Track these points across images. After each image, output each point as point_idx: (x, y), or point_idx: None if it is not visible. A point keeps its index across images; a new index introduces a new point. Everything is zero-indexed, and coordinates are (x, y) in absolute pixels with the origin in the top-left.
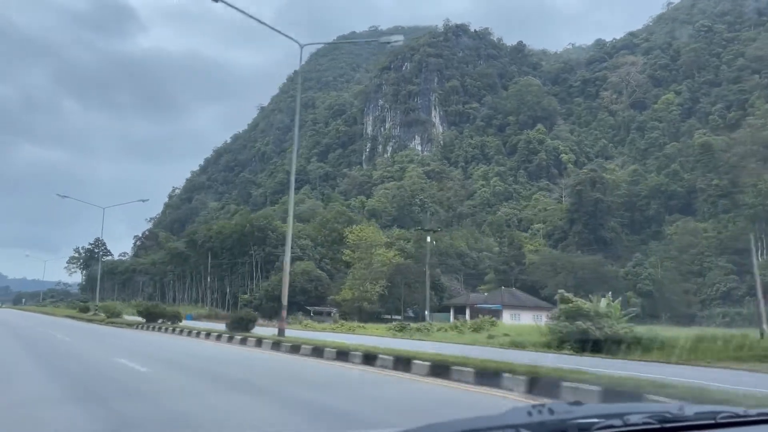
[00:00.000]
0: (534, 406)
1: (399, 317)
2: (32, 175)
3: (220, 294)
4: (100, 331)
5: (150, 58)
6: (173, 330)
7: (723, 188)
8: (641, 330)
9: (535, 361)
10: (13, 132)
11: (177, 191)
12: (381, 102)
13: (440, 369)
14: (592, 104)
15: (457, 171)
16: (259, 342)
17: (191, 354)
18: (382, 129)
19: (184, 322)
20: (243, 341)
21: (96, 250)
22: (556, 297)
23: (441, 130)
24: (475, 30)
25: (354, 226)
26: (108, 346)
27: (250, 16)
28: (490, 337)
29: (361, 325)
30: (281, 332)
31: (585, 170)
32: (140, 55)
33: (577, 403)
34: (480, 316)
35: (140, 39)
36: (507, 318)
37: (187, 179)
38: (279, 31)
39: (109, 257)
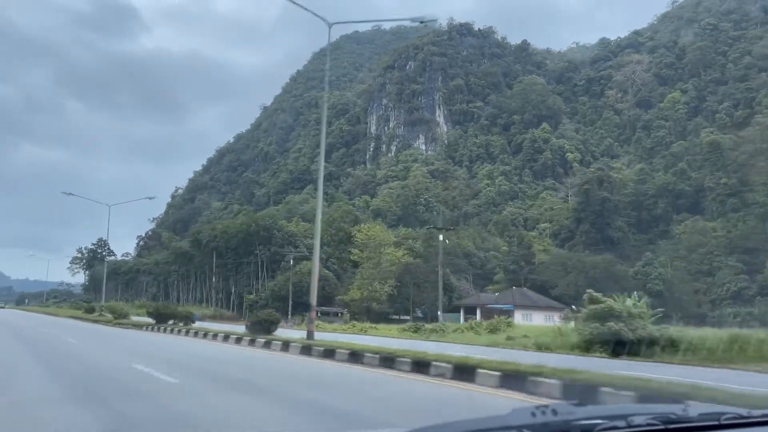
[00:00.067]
0: (537, 407)
1: (407, 317)
2: (34, 176)
3: (224, 294)
4: (109, 333)
5: (152, 59)
6: (186, 332)
7: (732, 187)
8: (672, 331)
9: (586, 366)
10: (15, 132)
11: (180, 191)
12: (385, 101)
13: (513, 380)
14: (597, 103)
15: (462, 170)
16: (285, 346)
17: (218, 360)
18: (386, 128)
19: (197, 324)
20: (267, 345)
21: (99, 251)
22: (584, 297)
23: (445, 129)
24: (479, 29)
25: (362, 225)
26: (122, 351)
27: None
28: (509, 338)
29: (373, 325)
30: (310, 335)
31: (592, 169)
32: (142, 55)
33: (581, 404)
34: (496, 316)
35: (143, 39)
36: (519, 318)
37: (189, 179)
38: (307, 9)
39: (112, 257)
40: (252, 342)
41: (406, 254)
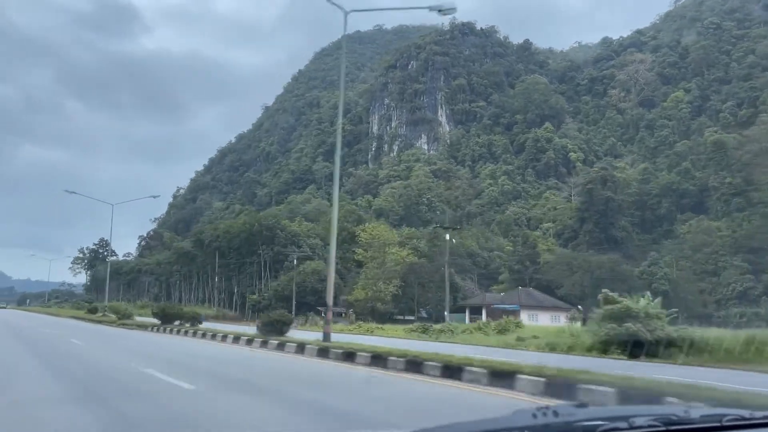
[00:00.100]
0: (539, 409)
1: (412, 318)
2: (34, 176)
3: (227, 294)
4: (114, 334)
5: (152, 59)
6: (194, 333)
7: (737, 186)
8: (690, 332)
9: (612, 368)
10: (15, 132)
11: (181, 191)
12: (387, 101)
13: (560, 387)
14: (600, 102)
15: (465, 170)
16: (300, 348)
17: (235, 363)
18: (388, 128)
19: (205, 324)
20: (280, 347)
21: (100, 251)
22: (599, 297)
23: (447, 128)
24: (481, 28)
25: (366, 225)
26: (130, 352)
27: None
28: (519, 339)
29: (379, 326)
30: (326, 336)
31: (595, 168)
32: (143, 55)
33: (582, 405)
34: (505, 317)
35: (144, 39)
36: (525, 318)
37: (191, 179)
38: None
39: (114, 257)
40: (264, 344)
41: (410, 254)
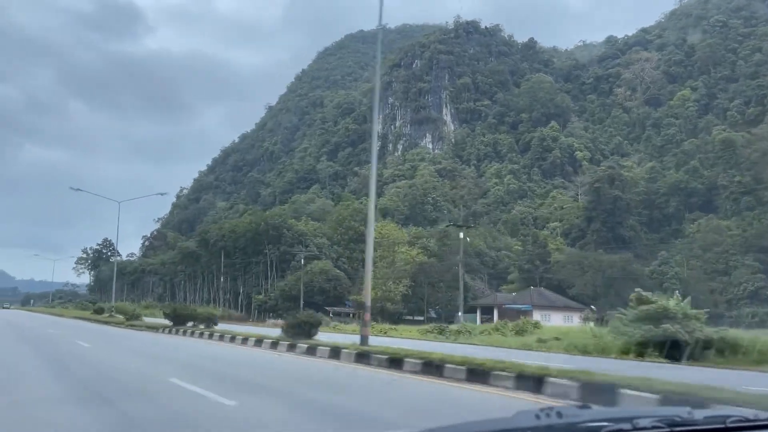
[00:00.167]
0: (542, 410)
1: (421, 318)
2: (37, 176)
3: (232, 295)
4: (125, 336)
5: (155, 59)
6: (210, 335)
7: (746, 185)
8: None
9: (668, 375)
10: (18, 132)
11: (185, 191)
12: (391, 100)
13: (681, 403)
14: (605, 101)
15: (470, 169)
16: (335, 352)
17: (267, 370)
18: (392, 127)
19: (221, 326)
20: (311, 351)
21: (104, 251)
22: (632, 296)
23: (452, 127)
24: (485, 27)
25: (375, 224)
26: (147, 357)
27: None
28: (540, 340)
29: (392, 326)
30: (364, 340)
31: (603, 167)
32: (145, 55)
33: (586, 406)
34: (523, 317)
35: (147, 40)
36: (537, 318)
37: (194, 179)
38: None
39: (118, 257)
40: (292, 347)
41: (420, 253)
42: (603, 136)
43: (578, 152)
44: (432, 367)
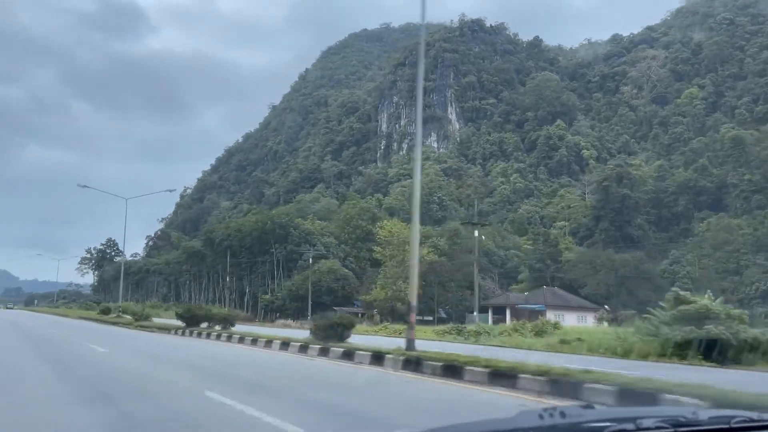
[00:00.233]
0: (545, 410)
1: (430, 318)
2: (40, 176)
3: (238, 294)
4: (139, 339)
5: (158, 59)
6: (228, 337)
7: (756, 183)
8: None
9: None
10: (21, 133)
11: (189, 191)
12: (395, 99)
13: None
14: (612, 99)
15: (476, 168)
16: (377, 358)
17: (311, 380)
18: (397, 126)
19: (237, 327)
20: (347, 356)
21: (108, 251)
22: (668, 296)
23: (457, 126)
24: (490, 25)
25: (385, 222)
26: (172, 364)
27: None
28: (563, 341)
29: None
30: (410, 344)
31: (610, 166)
32: (148, 55)
33: (589, 406)
34: (541, 318)
35: (150, 40)
36: (550, 318)
37: (198, 179)
38: None
39: (122, 257)
40: (324, 352)
41: (430, 252)
42: (610, 135)
43: (585, 151)
44: (503, 377)
